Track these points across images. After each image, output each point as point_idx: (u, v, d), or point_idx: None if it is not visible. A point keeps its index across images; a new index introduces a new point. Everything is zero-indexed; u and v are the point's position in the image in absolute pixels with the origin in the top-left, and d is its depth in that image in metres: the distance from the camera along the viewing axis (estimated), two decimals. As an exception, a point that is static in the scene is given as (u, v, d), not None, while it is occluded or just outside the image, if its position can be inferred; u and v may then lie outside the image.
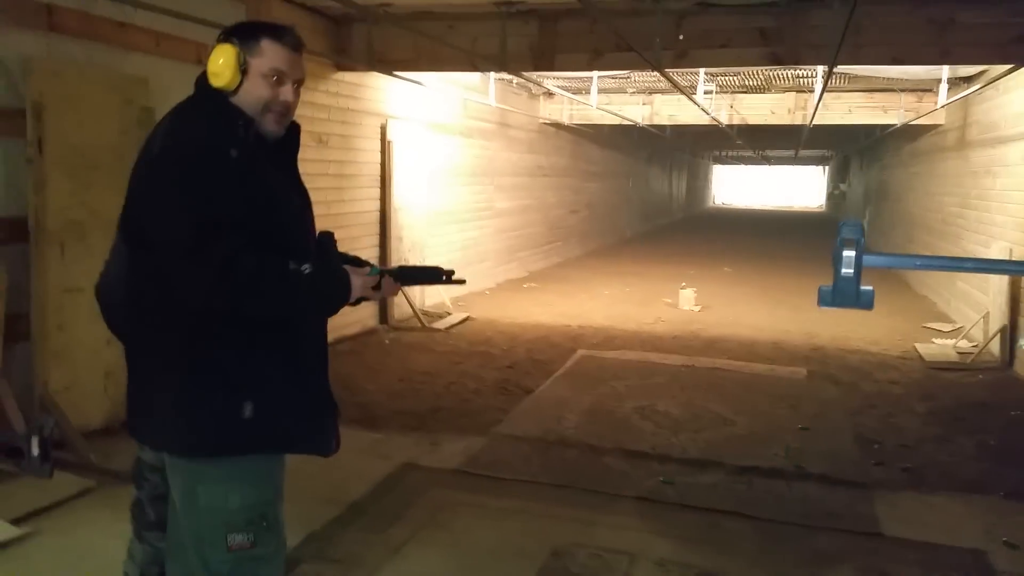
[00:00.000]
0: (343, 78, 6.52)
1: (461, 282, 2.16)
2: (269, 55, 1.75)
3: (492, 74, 8.07)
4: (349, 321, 6.72)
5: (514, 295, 9.59)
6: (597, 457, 4.16)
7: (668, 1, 5.23)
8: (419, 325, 7.34)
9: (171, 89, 2.52)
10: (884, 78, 8.22)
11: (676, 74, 7.58)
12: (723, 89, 9.73)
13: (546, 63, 6.13)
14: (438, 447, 4.24)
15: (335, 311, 1.84)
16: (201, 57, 3.55)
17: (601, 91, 9.68)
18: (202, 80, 1.77)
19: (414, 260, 7.65)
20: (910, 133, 11.34)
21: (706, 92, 8.75)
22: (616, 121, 11.05)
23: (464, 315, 7.93)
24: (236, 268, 1.58)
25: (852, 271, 1.21)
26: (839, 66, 5.45)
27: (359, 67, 6.34)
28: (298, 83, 1.81)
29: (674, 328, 7.75)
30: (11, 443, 2.57)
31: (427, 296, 8.05)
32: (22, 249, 3.51)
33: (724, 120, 10.47)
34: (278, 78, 1.76)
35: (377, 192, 7.19)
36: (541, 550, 3.07)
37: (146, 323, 1.74)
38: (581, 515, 3.42)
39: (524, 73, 6.78)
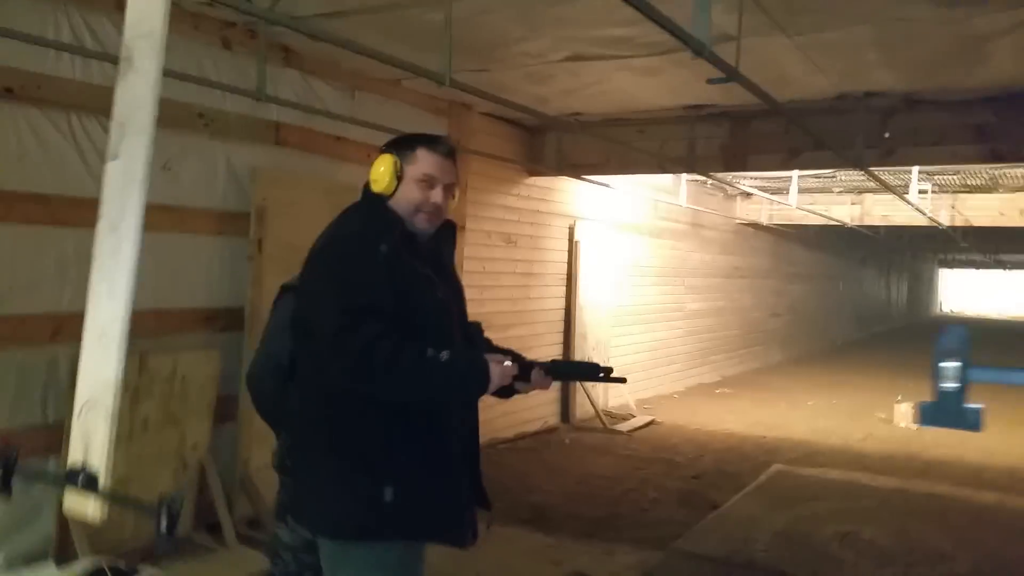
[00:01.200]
0: (534, 183, 6.82)
1: (621, 380, 2.10)
2: (422, 162, 1.91)
3: (684, 175, 8.06)
4: (530, 418, 6.76)
5: (704, 400, 9.16)
6: (786, 587, 3.75)
7: (872, 99, 4.97)
8: (601, 426, 7.20)
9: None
10: None
11: (886, 172, 7.12)
12: (942, 188, 8.96)
13: (738, 164, 6.02)
14: (612, 557, 4.05)
15: (472, 398, 1.88)
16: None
17: (804, 190, 9.28)
18: (365, 186, 1.95)
19: (598, 358, 7.59)
20: None
21: (921, 192, 8.09)
22: (821, 222, 10.50)
23: (649, 418, 7.69)
24: (375, 351, 1.67)
25: (955, 385, 1.02)
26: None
27: (549, 172, 6.60)
28: (449, 186, 1.94)
29: (887, 446, 6.96)
30: (211, 518, 2.82)
31: (610, 396, 7.92)
32: (238, 337, 3.92)
33: (945, 221, 9.59)
34: (429, 182, 1.90)
35: (563, 291, 7.31)
36: None
37: (305, 408, 1.87)
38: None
39: (715, 174, 6.70)
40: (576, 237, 7.35)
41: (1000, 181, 8.33)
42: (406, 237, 1.87)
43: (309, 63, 4.32)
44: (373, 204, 1.92)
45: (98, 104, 3.17)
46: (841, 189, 9.79)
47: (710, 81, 2.70)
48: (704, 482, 5.59)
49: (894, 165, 5.89)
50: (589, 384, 7.28)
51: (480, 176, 6.13)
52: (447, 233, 2.02)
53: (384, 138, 1.98)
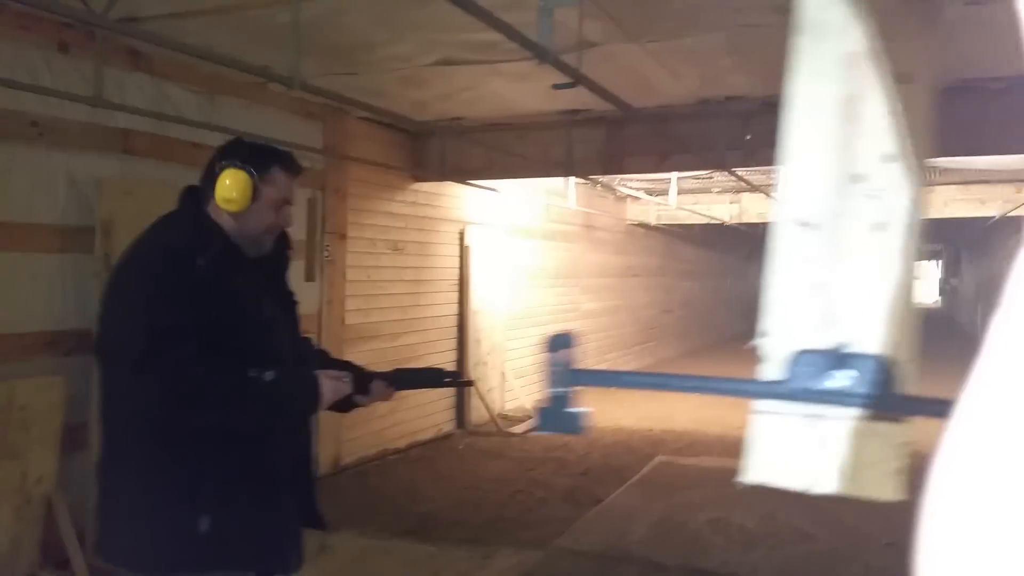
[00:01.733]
0: (420, 188, 6.75)
1: (468, 384, 2.10)
2: (280, 184, 1.79)
3: (573, 178, 8.19)
4: (424, 426, 6.69)
5: (599, 397, 9.29)
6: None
7: (732, 103, 5.19)
8: (496, 429, 7.22)
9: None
10: (976, 170, 7.77)
11: (759, 173, 7.45)
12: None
13: (615, 166, 6.18)
14: (490, 561, 4.05)
15: (303, 417, 1.81)
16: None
17: (686, 191, 9.61)
18: (186, 194, 1.81)
19: (493, 362, 7.63)
20: (1017, 224, 10.57)
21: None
22: (704, 220, 10.90)
23: (543, 419, 7.75)
24: (184, 375, 1.57)
25: (562, 390, 1.09)
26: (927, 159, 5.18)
27: (434, 177, 6.57)
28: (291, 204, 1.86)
29: (765, 435, 7.28)
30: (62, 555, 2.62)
31: (506, 399, 7.96)
32: (87, 361, 3.60)
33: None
34: (283, 204, 1.81)
35: (455, 296, 7.28)
36: None
37: (109, 436, 1.74)
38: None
39: (596, 176, 6.84)
40: (467, 242, 7.34)
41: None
42: (229, 250, 1.75)
43: (160, 66, 4.10)
44: (193, 214, 1.77)
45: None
46: (720, 189, 10.20)
47: (555, 87, 2.74)
48: (591, 478, 5.69)
49: (755, 166, 6.18)
50: (484, 388, 7.29)
51: (361, 183, 6.02)
52: (279, 246, 1.92)
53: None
